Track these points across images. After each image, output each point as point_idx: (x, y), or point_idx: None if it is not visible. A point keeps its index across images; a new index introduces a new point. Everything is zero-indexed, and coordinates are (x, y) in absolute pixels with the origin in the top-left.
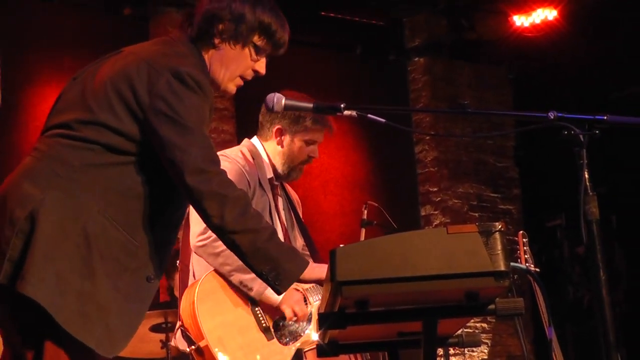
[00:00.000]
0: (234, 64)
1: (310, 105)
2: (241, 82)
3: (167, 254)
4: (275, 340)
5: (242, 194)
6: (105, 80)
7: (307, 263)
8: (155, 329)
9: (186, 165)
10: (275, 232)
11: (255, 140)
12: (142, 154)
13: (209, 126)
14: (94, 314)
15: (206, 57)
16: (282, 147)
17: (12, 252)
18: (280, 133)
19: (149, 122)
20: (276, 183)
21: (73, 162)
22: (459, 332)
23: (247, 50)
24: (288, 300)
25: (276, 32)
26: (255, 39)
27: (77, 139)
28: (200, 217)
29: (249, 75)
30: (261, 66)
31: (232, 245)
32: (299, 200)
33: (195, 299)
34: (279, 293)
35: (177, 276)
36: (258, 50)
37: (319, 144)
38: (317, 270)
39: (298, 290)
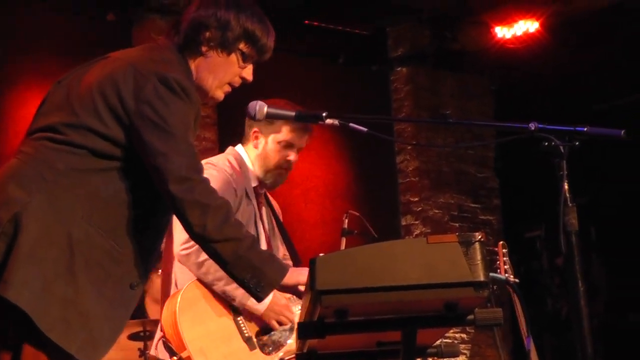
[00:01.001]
0: (222, 71)
1: (293, 113)
2: (229, 89)
3: (151, 261)
4: (257, 350)
5: (224, 203)
6: (92, 84)
7: (287, 269)
8: (133, 337)
9: (169, 173)
10: (255, 240)
11: (239, 148)
12: (128, 160)
13: (194, 133)
14: (76, 321)
15: (193, 64)
16: (258, 149)
17: None
18: (256, 136)
19: (135, 127)
20: (261, 192)
21: (59, 166)
22: (438, 342)
23: (233, 57)
24: (272, 311)
25: (261, 39)
26: (242, 46)
27: (63, 142)
28: (182, 225)
29: (237, 82)
30: (248, 73)
31: (213, 254)
32: (280, 210)
33: (177, 308)
34: (260, 300)
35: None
36: (245, 57)
37: (297, 148)
38: (296, 274)
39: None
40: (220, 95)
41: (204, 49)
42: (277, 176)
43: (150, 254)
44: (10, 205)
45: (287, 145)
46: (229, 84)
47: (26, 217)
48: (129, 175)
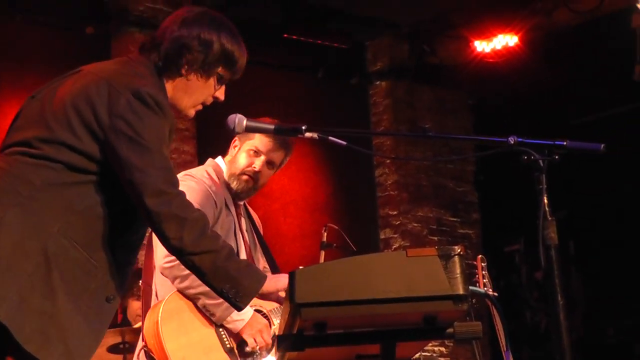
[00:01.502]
0: (198, 93)
1: (272, 126)
2: (201, 107)
3: (127, 275)
4: None
5: (200, 215)
6: (65, 99)
7: (265, 277)
8: (112, 349)
9: (145, 187)
10: (232, 250)
11: (219, 160)
12: (103, 174)
13: (169, 146)
14: (54, 334)
15: (170, 83)
16: (231, 156)
17: None
18: (235, 145)
19: (109, 142)
20: (240, 203)
21: (34, 181)
22: (417, 355)
23: (211, 80)
24: (251, 328)
25: (238, 60)
26: (220, 69)
27: (38, 157)
28: (159, 238)
29: (209, 101)
30: (221, 93)
31: (192, 266)
32: (260, 222)
33: (159, 319)
34: (239, 309)
35: (130, 301)
36: (220, 80)
37: (267, 159)
38: (274, 281)
39: (264, 314)
40: (192, 113)
41: (184, 71)
42: (241, 182)
43: (125, 267)
44: None
45: (256, 153)
46: (202, 103)
47: (2, 232)
48: (104, 190)
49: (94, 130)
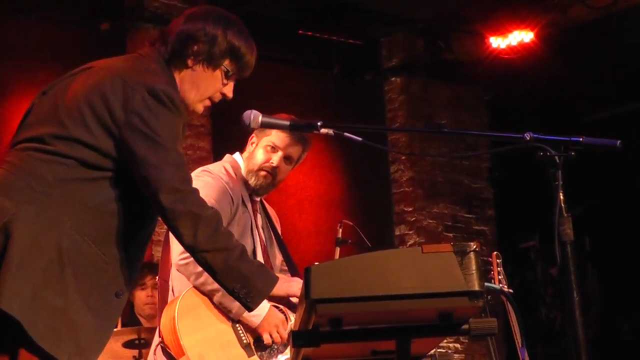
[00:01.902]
0: (205, 86)
1: (287, 122)
2: (209, 104)
3: (135, 271)
4: (255, 356)
5: (214, 213)
6: (78, 95)
7: (277, 279)
8: (128, 345)
9: (160, 184)
10: (245, 250)
11: (237, 156)
12: (116, 170)
13: (182, 143)
14: (65, 330)
15: (177, 76)
16: (249, 152)
17: None
18: (252, 142)
19: (124, 138)
20: (256, 199)
21: (47, 177)
22: (432, 351)
23: (218, 73)
24: (267, 323)
25: (245, 55)
26: (226, 63)
27: (51, 152)
28: (174, 235)
29: (217, 97)
30: (229, 90)
31: (204, 263)
32: (277, 218)
33: (176, 314)
34: (250, 310)
35: (136, 293)
36: (227, 75)
37: (285, 155)
38: (286, 285)
39: (281, 309)
40: (200, 108)
41: (190, 62)
42: (259, 178)
43: (134, 263)
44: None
45: (273, 148)
46: (209, 98)
47: (15, 227)
48: (117, 186)
49: (109, 126)
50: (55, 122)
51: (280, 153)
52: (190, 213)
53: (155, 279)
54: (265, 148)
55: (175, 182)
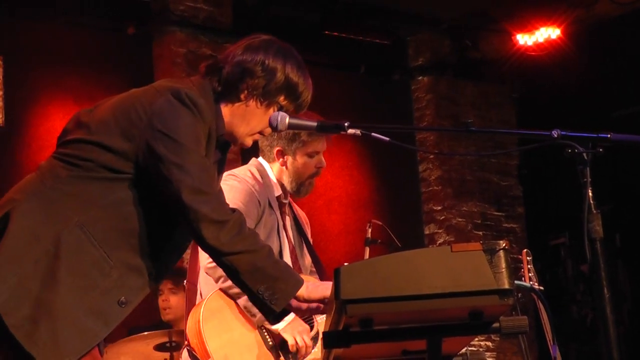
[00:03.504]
0: (256, 121)
1: (314, 123)
2: (258, 137)
3: (152, 282)
4: (282, 359)
5: (238, 215)
6: (114, 104)
7: (302, 282)
8: (159, 348)
9: (183, 184)
10: (271, 250)
11: (262, 160)
12: (135, 174)
13: (205, 151)
14: (45, 323)
15: (227, 107)
16: (287, 167)
17: None
18: (281, 154)
19: (145, 139)
20: (284, 201)
21: (61, 174)
22: (464, 350)
23: (271, 109)
24: (292, 328)
25: (302, 94)
26: (281, 99)
27: (71, 155)
28: (196, 237)
29: (268, 132)
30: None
31: (228, 266)
32: (307, 219)
33: (201, 317)
34: (273, 312)
35: (160, 298)
36: (281, 111)
37: (322, 152)
38: (322, 288)
39: (305, 319)
40: (249, 142)
41: (243, 95)
42: (309, 185)
43: (147, 274)
44: (5, 206)
45: (314, 154)
46: (260, 132)
47: (16, 215)
48: (134, 189)
49: (131, 129)
50: (84, 128)
51: (320, 154)
52: (214, 214)
53: (171, 283)
54: (308, 157)
55: (198, 183)
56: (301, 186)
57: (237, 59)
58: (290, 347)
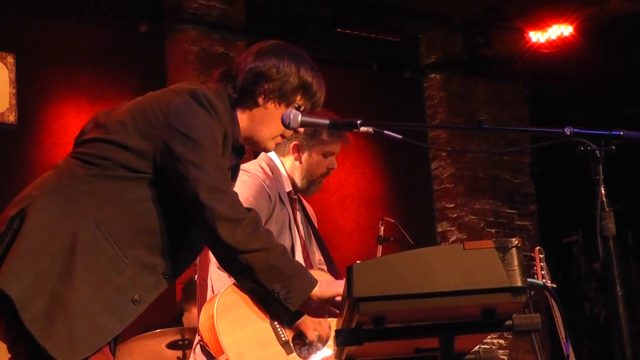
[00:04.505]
0: (275, 123)
1: (327, 121)
2: (280, 140)
3: (159, 281)
4: (294, 354)
5: (253, 214)
6: (131, 106)
7: (316, 281)
8: (171, 346)
9: (200, 182)
10: (285, 249)
11: (272, 154)
12: (152, 174)
13: (222, 152)
14: (60, 318)
15: (246, 114)
16: (301, 162)
17: None
18: (297, 149)
19: (163, 138)
20: (294, 197)
21: (78, 172)
22: (476, 348)
23: (290, 110)
24: (310, 320)
25: (316, 93)
26: (298, 98)
27: (89, 154)
28: (211, 235)
29: (288, 134)
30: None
31: (244, 264)
32: (314, 214)
33: (215, 313)
34: (288, 311)
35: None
36: (299, 110)
37: (336, 155)
38: (335, 285)
39: None
40: (272, 145)
41: (261, 100)
42: (318, 184)
43: (157, 273)
44: (21, 202)
45: (329, 154)
46: (281, 134)
47: (32, 211)
48: (151, 188)
49: (149, 129)
50: (102, 128)
51: (334, 156)
52: (230, 212)
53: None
54: (323, 156)
55: (215, 181)
56: (312, 184)
57: (250, 66)
58: (310, 339)
